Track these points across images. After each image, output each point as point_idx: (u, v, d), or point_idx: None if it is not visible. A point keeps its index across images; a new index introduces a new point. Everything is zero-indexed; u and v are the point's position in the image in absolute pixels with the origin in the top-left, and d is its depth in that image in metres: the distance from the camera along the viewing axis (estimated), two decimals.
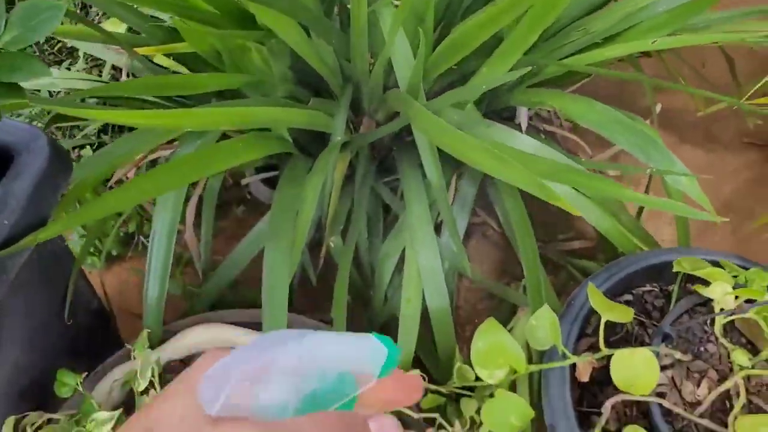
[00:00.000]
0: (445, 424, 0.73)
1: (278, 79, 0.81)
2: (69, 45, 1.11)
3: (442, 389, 0.77)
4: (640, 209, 0.94)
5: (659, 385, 0.64)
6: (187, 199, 0.88)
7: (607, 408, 0.63)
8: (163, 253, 0.70)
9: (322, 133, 0.85)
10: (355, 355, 0.27)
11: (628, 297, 0.77)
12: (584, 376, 0.67)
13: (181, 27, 0.69)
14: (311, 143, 0.89)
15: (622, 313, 0.65)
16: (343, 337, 0.27)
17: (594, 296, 0.65)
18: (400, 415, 0.72)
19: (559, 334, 0.66)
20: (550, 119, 1.02)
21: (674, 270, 0.66)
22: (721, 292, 0.62)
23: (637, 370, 0.60)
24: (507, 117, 0.97)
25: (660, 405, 0.62)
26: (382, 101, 0.87)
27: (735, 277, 0.67)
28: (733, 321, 0.68)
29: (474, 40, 0.69)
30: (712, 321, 0.66)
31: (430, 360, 0.81)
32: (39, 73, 0.45)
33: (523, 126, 0.85)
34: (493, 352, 0.66)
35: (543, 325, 0.67)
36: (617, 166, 0.86)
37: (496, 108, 0.89)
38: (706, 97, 1.10)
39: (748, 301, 0.66)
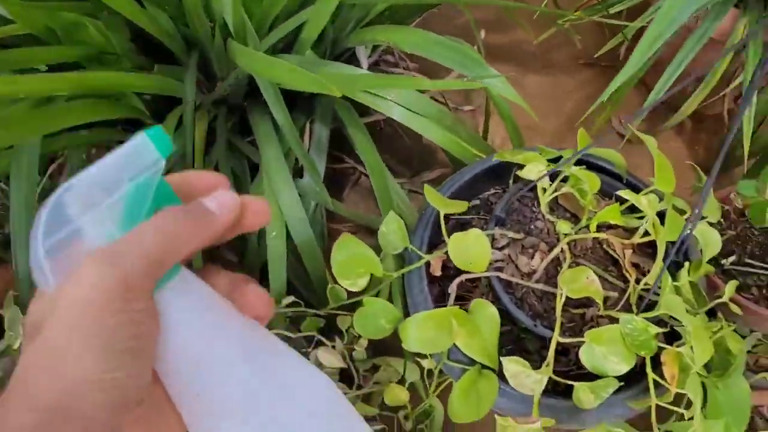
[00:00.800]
0: (324, 340, 0.79)
1: (121, 51, 0.84)
2: None
3: (320, 312, 0.82)
4: (485, 130, 1.03)
5: (497, 261, 0.72)
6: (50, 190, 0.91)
7: (453, 287, 0.70)
8: (24, 226, 0.72)
9: (180, 100, 0.88)
10: (130, 155, 0.29)
11: (476, 202, 0.85)
12: (437, 270, 0.74)
13: (7, 6, 0.71)
14: (169, 111, 0.93)
15: (456, 206, 0.73)
16: (112, 154, 0.29)
17: (429, 195, 0.72)
18: (280, 336, 0.77)
19: (406, 236, 0.73)
20: (397, 63, 1.09)
21: (495, 159, 0.74)
22: (535, 171, 0.71)
23: (471, 250, 0.68)
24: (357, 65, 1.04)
25: (499, 278, 0.70)
26: (230, 62, 0.91)
27: (555, 161, 0.76)
28: (556, 199, 0.77)
29: None
30: (537, 201, 0.75)
31: (308, 290, 0.87)
32: None
33: (364, 64, 0.91)
34: (352, 263, 0.72)
35: (392, 230, 0.73)
36: (446, 83, 0.93)
37: (338, 52, 0.95)
38: (535, 26, 1.21)
39: (564, 180, 0.75)
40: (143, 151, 0.29)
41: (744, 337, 0.87)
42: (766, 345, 0.83)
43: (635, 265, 0.73)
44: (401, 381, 0.84)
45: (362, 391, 0.79)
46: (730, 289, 0.71)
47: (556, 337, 0.66)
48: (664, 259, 0.66)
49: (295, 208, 0.80)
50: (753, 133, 1.07)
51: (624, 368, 0.64)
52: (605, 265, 0.73)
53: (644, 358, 0.66)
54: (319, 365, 0.79)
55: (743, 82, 0.88)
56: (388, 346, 0.93)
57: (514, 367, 0.65)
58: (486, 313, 0.68)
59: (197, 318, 0.30)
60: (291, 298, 0.79)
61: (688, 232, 0.67)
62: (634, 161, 0.90)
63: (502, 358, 0.65)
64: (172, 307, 0.29)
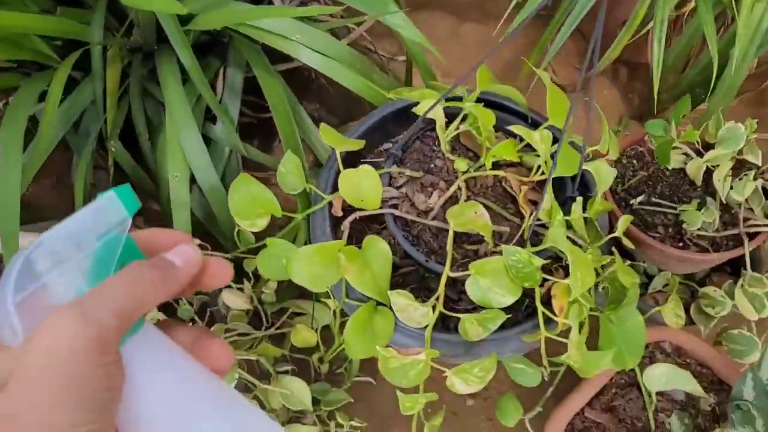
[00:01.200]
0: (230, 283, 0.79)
1: None
2: None
3: (228, 255, 0.82)
4: (408, 77, 1.02)
5: (393, 198, 0.72)
6: None
7: (345, 225, 0.70)
8: None
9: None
10: (99, 213, 0.30)
11: (387, 145, 0.84)
12: (338, 211, 0.74)
13: None
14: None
15: (353, 144, 0.72)
16: (81, 211, 0.30)
17: (325, 133, 0.71)
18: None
19: (303, 175, 0.72)
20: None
21: (390, 96, 0.74)
22: (428, 106, 0.70)
23: (362, 186, 0.68)
24: None
25: (393, 215, 0.70)
26: None
27: (457, 100, 0.75)
28: (459, 139, 0.77)
29: None
30: (439, 140, 0.75)
31: (221, 235, 0.87)
32: None
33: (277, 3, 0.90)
34: (250, 203, 0.72)
35: (290, 169, 0.73)
36: (318, 9, 0.92)
37: None
38: None
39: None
40: (111, 208, 0.31)
41: (653, 276, 0.88)
42: (673, 282, 0.84)
43: (533, 203, 0.73)
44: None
45: (269, 332, 0.79)
46: (622, 223, 0.71)
47: (447, 272, 0.67)
48: (557, 193, 0.66)
49: (199, 153, 0.79)
50: (680, 79, 1.07)
51: (508, 300, 0.64)
52: (504, 203, 0.74)
53: (539, 292, 0.67)
54: (226, 307, 0.80)
55: (653, 24, 0.88)
56: (304, 290, 0.93)
57: (401, 300, 0.65)
58: (377, 249, 0.68)
59: (160, 371, 0.31)
60: (195, 241, 0.78)
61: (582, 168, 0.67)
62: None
63: (389, 292, 0.65)
64: (135, 360, 0.30)
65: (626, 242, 0.72)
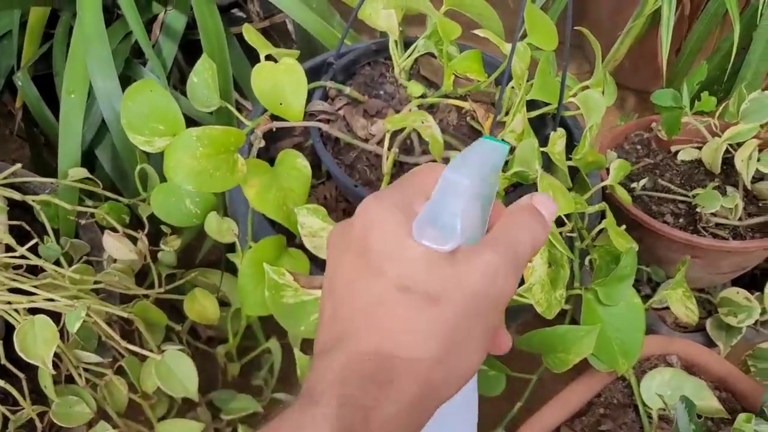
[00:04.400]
0: (116, 225, 0.62)
1: None
2: None
3: (125, 201, 0.66)
4: None
5: (324, 114, 0.57)
6: None
7: (257, 135, 0.55)
8: None
9: None
10: (490, 160, 0.30)
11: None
12: (261, 138, 0.59)
13: None
14: None
15: (284, 52, 0.58)
16: (475, 150, 0.30)
17: (248, 32, 0.57)
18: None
19: (217, 89, 0.57)
20: None
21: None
22: (377, 11, 0.57)
23: (283, 86, 0.53)
24: None
25: (321, 131, 0.55)
26: None
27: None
28: (419, 70, 0.63)
29: None
30: (392, 67, 0.61)
31: (122, 181, 0.71)
32: None
33: None
34: (149, 114, 0.57)
35: (203, 79, 0.58)
36: None
37: None
38: None
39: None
40: (499, 153, 0.30)
41: (657, 286, 0.70)
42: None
43: None
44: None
45: (153, 291, 0.61)
46: (617, 169, 0.55)
47: None
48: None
49: (105, 71, 0.66)
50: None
51: None
52: (468, 143, 0.58)
53: None
54: (111, 259, 0.62)
55: None
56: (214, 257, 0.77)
57: (311, 221, 0.48)
58: (293, 163, 0.52)
59: None
60: (83, 171, 0.63)
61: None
62: None
63: (297, 208, 0.49)
64: None
65: (621, 193, 0.56)
